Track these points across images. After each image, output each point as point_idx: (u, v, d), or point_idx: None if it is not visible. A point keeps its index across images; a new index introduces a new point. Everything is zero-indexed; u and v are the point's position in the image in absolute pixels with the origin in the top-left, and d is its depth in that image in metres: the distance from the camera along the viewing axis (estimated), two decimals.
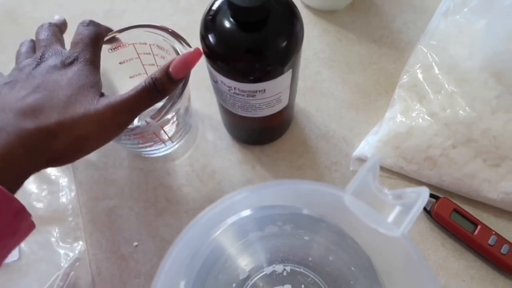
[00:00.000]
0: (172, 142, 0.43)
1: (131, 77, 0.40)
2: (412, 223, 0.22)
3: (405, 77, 0.43)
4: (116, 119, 0.30)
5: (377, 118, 0.44)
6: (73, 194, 0.43)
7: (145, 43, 0.36)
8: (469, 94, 0.38)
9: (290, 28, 0.30)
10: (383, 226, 0.22)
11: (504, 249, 0.37)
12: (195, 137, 0.45)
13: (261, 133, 0.43)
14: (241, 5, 0.27)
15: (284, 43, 0.30)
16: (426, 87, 0.41)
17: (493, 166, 0.38)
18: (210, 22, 0.31)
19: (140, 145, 0.40)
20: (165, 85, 0.31)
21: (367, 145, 0.42)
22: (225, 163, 0.44)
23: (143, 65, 0.39)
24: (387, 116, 0.42)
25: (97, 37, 0.33)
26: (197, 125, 0.45)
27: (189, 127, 0.44)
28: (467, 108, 0.38)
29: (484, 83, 0.38)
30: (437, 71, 0.41)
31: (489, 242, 0.37)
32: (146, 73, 0.40)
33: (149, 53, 0.38)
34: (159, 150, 0.43)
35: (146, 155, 0.44)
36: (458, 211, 0.39)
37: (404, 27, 0.50)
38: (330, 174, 0.43)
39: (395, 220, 0.22)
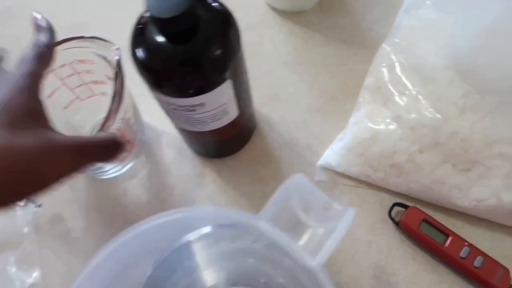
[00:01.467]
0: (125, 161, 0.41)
1: (65, 107, 0.38)
2: (329, 253, 0.19)
3: (369, 78, 0.40)
4: None
5: (344, 123, 0.42)
6: (29, 217, 0.42)
7: (64, 65, 0.34)
8: (434, 95, 0.36)
9: (222, 36, 0.28)
10: (298, 255, 0.20)
11: (478, 261, 0.34)
12: (152, 153, 0.43)
13: (219, 146, 0.40)
14: (159, 16, 0.25)
15: (217, 53, 0.28)
16: (391, 88, 0.38)
17: (463, 171, 0.35)
18: (138, 35, 0.29)
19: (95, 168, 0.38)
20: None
21: (332, 153, 0.40)
22: (184, 178, 0.42)
23: (72, 90, 0.37)
24: (351, 121, 0.40)
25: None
26: (154, 141, 0.43)
27: (143, 143, 0.42)
28: (432, 110, 0.35)
29: (450, 82, 0.35)
30: (401, 71, 0.38)
31: (461, 254, 0.34)
32: (79, 98, 0.38)
33: (73, 74, 0.36)
34: (113, 171, 0.41)
35: (103, 177, 0.42)
36: (427, 221, 0.36)
37: (375, 24, 0.47)
38: None
39: (314, 247, 0.20)
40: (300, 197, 0.23)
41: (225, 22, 0.29)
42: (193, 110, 0.31)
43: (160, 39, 0.27)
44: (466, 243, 0.35)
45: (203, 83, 0.28)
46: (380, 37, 0.46)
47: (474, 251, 0.35)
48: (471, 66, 0.34)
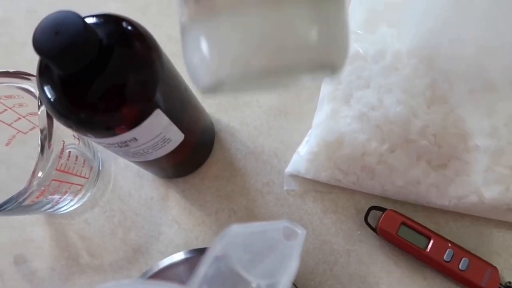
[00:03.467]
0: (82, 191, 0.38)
1: (7, 144, 0.36)
2: None
3: None
4: None
5: (310, 124, 0.38)
6: None
7: None
8: (398, 87, 0.32)
9: (135, 62, 0.24)
10: None
11: (463, 264, 0.31)
12: (110, 179, 0.40)
13: (176, 168, 0.37)
14: (46, 56, 0.21)
15: (132, 83, 0.24)
16: (352, 82, 0.34)
17: (439, 168, 0.32)
18: (44, 68, 0.25)
19: (49, 206, 0.36)
20: None
21: (299, 159, 0.37)
22: (147, 202, 0.39)
23: (10, 125, 0.34)
24: (315, 122, 0.36)
25: None
26: (109, 165, 0.40)
27: (98, 170, 0.39)
28: (398, 104, 0.32)
29: (415, 70, 0.32)
30: (362, 62, 0.34)
31: (445, 258, 0.32)
32: (20, 131, 0.35)
33: (6, 110, 0.33)
34: (70, 204, 0.38)
35: (61, 213, 0.39)
36: (406, 224, 0.33)
37: None
38: (262, 197, 0.38)
39: None
40: (240, 249, 0.20)
41: (138, 45, 0.25)
42: (126, 146, 0.28)
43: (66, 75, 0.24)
44: (450, 244, 0.32)
45: (122, 120, 0.25)
46: None
47: (459, 252, 0.32)
48: (434, 52, 0.30)
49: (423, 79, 0.31)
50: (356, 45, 0.34)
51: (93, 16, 0.25)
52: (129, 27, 0.25)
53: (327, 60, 0.17)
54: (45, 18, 0.21)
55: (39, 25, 0.21)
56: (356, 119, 0.33)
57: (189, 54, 0.18)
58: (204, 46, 0.17)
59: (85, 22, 0.21)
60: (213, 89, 0.17)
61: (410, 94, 0.31)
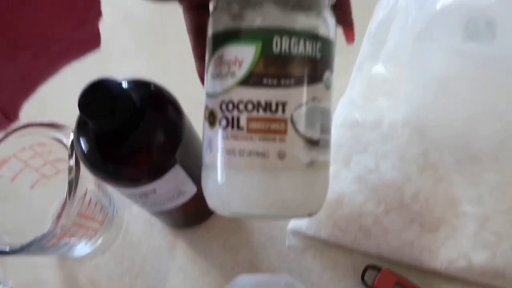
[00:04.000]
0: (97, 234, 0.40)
1: (31, 187, 0.39)
2: None
3: None
4: None
5: None
6: None
7: (24, 148, 0.35)
8: (394, 153, 0.35)
9: (161, 125, 0.28)
10: None
11: None
12: (122, 225, 0.43)
13: (185, 219, 0.40)
14: (91, 119, 0.25)
15: (157, 142, 0.28)
16: (351, 147, 0.37)
17: (431, 231, 0.34)
18: (82, 124, 0.29)
19: (66, 248, 0.38)
20: None
21: None
22: (156, 250, 0.41)
23: (36, 170, 0.37)
24: None
25: None
26: (123, 212, 0.43)
27: (112, 216, 0.42)
28: (393, 169, 0.35)
29: (409, 139, 0.35)
30: (360, 129, 0.38)
31: None
32: (44, 176, 0.39)
33: (35, 155, 0.36)
34: (83, 248, 0.41)
35: (73, 256, 0.41)
36: (401, 285, 0.35)
37: (336, 75, 0.47)
38: (265, 251, 0.40)
39: None
40: None
41: (165, 108, 0.29)
42: (146, 196, 0.30)
43: (99, 133, 0.27)
44: None
45: (145, 174, 0.28)
46: (343, 89, 0.45)
47: None
48: (425, 123, 0.34)
49: (416, 147, 0.34)
50: (356, 113, 0.38)
51: (128, 81, 0.29)
52: (158, 93, 0.29)
53: (312, 212, 0.24)
54: (90, 83, 0.25)
55: (84, 88, 0.25)
56: (355, 181, 0.36)
57: (207, 180, 0.24)
58: (221, 181, 0.22)
59: (123, 89, 0.25)
60: (218, 211, 0.24)
61: (405, 161, 0.35)
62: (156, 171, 0.28)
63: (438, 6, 0.30)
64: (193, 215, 0.40)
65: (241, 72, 0.21)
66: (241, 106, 0.21)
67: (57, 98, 0.48)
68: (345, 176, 0.37)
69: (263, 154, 0.21)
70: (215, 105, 0.22)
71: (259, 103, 0.21)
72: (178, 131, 0.29)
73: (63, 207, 0.32)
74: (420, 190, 0.34)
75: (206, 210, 0.40)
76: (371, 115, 0.37)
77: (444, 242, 0.33)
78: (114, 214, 0.43)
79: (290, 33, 0.21)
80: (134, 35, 0.53)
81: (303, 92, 0.21)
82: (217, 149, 0.22)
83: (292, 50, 0.21)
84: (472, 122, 0.32)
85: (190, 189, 0.33)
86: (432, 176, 0.34)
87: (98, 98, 0.25)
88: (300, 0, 0.21)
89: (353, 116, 0.38)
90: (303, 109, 0.21)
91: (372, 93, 0.38)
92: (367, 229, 0.36)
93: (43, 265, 0.42)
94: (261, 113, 0.21)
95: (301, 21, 0.21)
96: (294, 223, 0.39)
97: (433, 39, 0.31)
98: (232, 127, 0.21)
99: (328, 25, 0.22)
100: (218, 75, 0.22)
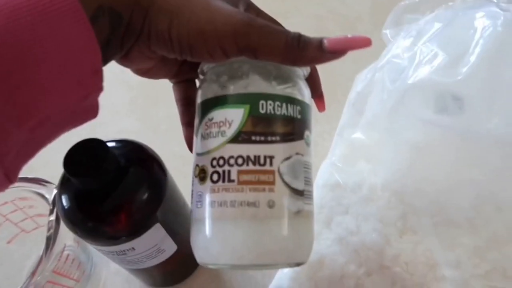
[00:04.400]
0: None
1: (8, 242, 0.38)
2: None
3: None
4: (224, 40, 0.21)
5: None
6: None
7: (5, 202, 0.35)
8: (374, 216, 0.36)
9: (143, 185, 0.29)
10: None
11: None
12: (99, 284, 0.41)
13: (164, 277, 0.39)
14: (72, 173, 0.25)
15: (138, 202, 0.28)
16: (332, 208, 0.38)
17: None
18: (65, 181, 0.29)
19: None
20: (309, 47, 0.21)
21: (283, 276, 0.39)
22: None
23: (15, 224, 0.37)
24: None
25: None
26: (101, 269, 0.42)
27: (90, 273, 0.41)
28: (374, 231, 0.35)
29: (387, 202, 0.36)
30: (342, 191, 0.38)
31: None
32: (24, 230, 0.38)
33: (16, 210, 0.36)
34: None
35: None
36: None
37: (319, 138, 0.49)
38: None
39: None
40: None
41: (148, 168, 0.29)
42: (123, 254, 0.30)
43: (82, 190, 0.27)
44: None
45: (126, 231, 0.28)
46: (326, 152, 0.46)
47: None
48: (403, 187, 0.35)
49: (395, 210, 0.35)
50: (337, 176, 0.39)
51: (113, 141, 0.30)
52: (142, 152, 0.30)
53: (299, 261, 0.24)
54: (76, 144, 0.26)
55: (70, 148, 0.26)
56: (336, 242, 0.36)
57: (197, 234, 0.24)
58: (211, 233, 0.23)
59: (108, 150, 0.26)
60: (208, 265, 0.24)
61: (384, 224, 0.35)
62: (136, 230, 0.28)
63: (410, 81, 0.32)
64: (172, 273, 0.39)
65: (231, 131, 0.23)
66: (232, 161, 0.22)
67: (44, 153, 0.49)
68: (326, 236, 0.37)
69: (253, 204, 0.22)
70: (205, 162, 0.23)
71: (248, 157, 0.22)
72: (160, 190, 0.29)
73: (39, 263, 0.31)
74: (401, 253, 0.34)
75: (185, 269, 0.40)
76: (352, 178, 0.38)
77: None
78: (92, 271, 0.42)
79: (273, 97, 0.23)
80: (126, 95, 0.55)
81: (288, 147, 0.23)
82: (207, 202, 0.23)
83: (276, 111, 0.23)
84: (447, 187, 0.33)
85: (169, 248, 0.33)
86: (412, 239, 0.34)
87: (84, 158, 0.25)
88: (279, 73, 0.23)
89: (335, 178, 0.39)
90: (289, 162, 0.23)
91: (353, 157, 0.39)
92: None
93: None
94: (251, 166, 0.22)
95: (281, 88, 0.23)
96: (275, 284, 0.39)
97: (407, 110, 0.33)
98: (223, 180, 0.23)
99: (303, 92, 0.25)
100: (208, 135, 0.23)
